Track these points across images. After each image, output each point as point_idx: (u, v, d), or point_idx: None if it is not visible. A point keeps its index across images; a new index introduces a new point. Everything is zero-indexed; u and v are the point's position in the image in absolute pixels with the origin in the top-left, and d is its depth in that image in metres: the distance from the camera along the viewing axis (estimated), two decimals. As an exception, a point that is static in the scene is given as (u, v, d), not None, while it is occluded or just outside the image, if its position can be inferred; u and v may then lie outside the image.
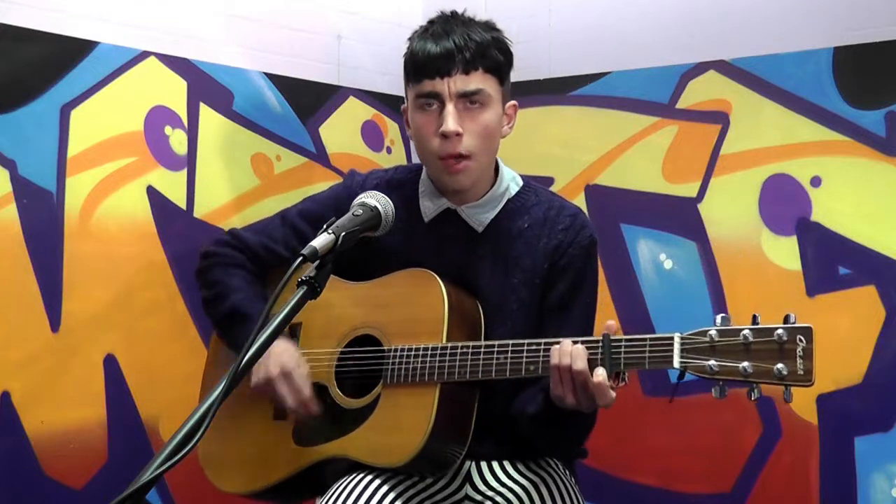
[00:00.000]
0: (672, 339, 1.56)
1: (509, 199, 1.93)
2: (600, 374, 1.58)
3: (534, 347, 1.69)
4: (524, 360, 1.70)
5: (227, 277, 1.99)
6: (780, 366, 1.48)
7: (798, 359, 1.47)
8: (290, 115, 2.76)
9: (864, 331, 2.44)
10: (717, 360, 1.52)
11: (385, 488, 1.79)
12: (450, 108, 1.79)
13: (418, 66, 1.83)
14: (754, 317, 1.52)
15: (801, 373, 1.47)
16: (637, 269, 2.76)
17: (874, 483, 2.43)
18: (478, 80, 1.81)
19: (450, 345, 1.76)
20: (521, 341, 1.72)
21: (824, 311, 2.49)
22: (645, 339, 1.59)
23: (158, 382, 2.43)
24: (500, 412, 1.85)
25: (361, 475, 1.81)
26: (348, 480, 1.81)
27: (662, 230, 2.73)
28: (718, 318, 1.56)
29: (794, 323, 1.49)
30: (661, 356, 1.56)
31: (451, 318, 1.79)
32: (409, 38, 1.89)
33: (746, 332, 1.51)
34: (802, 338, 1.47)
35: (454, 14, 1.89)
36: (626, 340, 1.60)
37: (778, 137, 2.57)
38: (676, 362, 1.54)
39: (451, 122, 1.79)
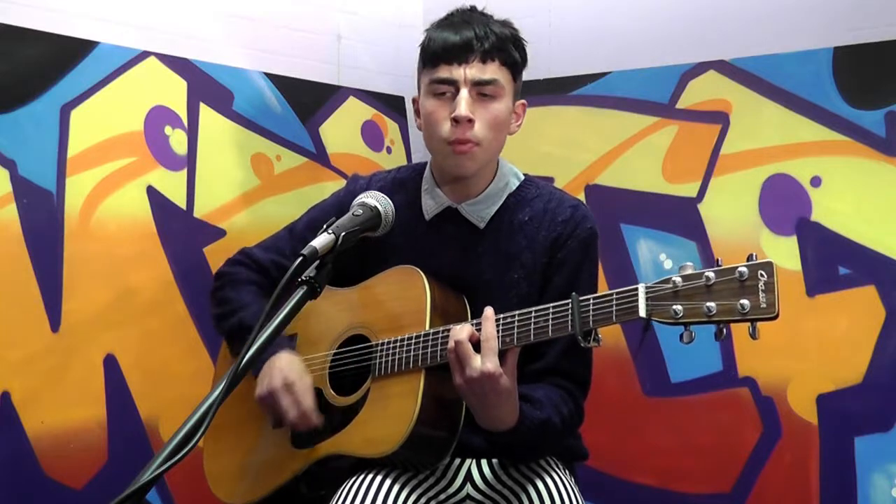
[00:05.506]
0: (636, 289, 1.55)
1: (510, 193, 1.93)
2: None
3: (509, 320, 1.68)
4: (501, 336, 1.68)
5: (237, 294, 2.01)
6: (743, 301, 1.46)
7: (760, 293, 1.45)
8: (290, 115, 2.77)
9: (864, 331, 2.44)
10: (681, 305, 1.51)
11: (388, 482, 1.79)
12: (464, 93, 1.81)
13: (436, 52, 1.85)
14: (717, 260, 1.52)
15: (764, 306, 1.45)
16: (637, 269, 2.76)
17: (874, 483, 2.42)
18: (493, 71, 1.84)
19: (431, 331, 1.77)
20: (499, 316, 1.70)
21: (824, 311, 2.48)
22: (611, 294, 1.58)
23: (158, 382, 2.43)
24: None
25: (365, 474, 1.81)
26: (353, 480, 1.81)
27: (662, 230, 2.73)
28: (681, 266, 1.55)
29: (755, 260, 1.48)
30: (627, 307, 1.55)
31: (433, 309, 1.80)
32: (427, 30, 1.91)
33: (709, 274, 1.50)
34: (763, 272, 1.45)
35: (473, 8, 1.92)
36: (594, 298, 1.60)
37: (778, 137, 2.56)
38: (642, 311, 1.53)
39: (463, 107, 1.80)
